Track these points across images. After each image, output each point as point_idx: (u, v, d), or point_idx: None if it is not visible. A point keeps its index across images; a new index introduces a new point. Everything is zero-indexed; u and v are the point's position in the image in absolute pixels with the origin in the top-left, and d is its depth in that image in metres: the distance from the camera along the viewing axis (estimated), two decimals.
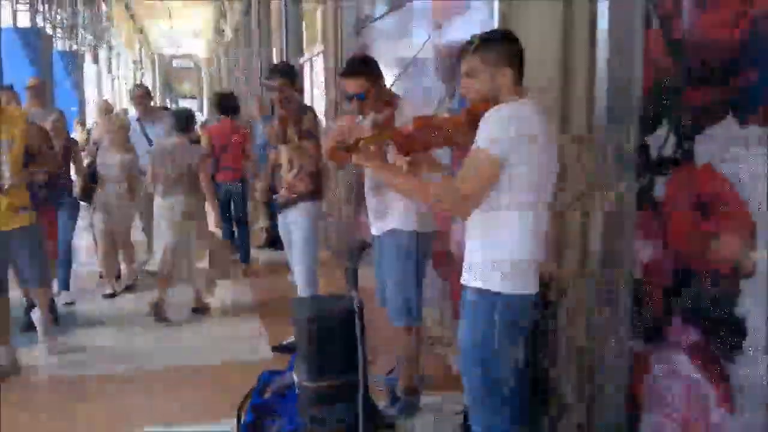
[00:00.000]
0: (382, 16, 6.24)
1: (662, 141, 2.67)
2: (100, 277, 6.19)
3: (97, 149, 5.85)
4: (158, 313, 5.06)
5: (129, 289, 6.04)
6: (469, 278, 2.32)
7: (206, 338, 4.76)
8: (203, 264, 5.31)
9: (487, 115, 2.16)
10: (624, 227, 2.85)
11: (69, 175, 5.66)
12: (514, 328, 2.26)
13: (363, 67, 3.26)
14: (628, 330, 2.90)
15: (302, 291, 4.05)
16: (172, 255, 5.02)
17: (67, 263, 5.73)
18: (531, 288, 2.28)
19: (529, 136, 2.15)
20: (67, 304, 5.51)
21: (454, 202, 2.21)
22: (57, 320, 4.93)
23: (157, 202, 5.07)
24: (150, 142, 6.28)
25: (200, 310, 5.29)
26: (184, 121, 5.22)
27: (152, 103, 6.82)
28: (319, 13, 11.19)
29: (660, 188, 2.70)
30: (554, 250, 3.06)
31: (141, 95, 6.71)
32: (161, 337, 4.80)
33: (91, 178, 5.66)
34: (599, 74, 2.84)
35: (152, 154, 5.18)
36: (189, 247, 5.06)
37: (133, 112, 7.53)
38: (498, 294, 2.23)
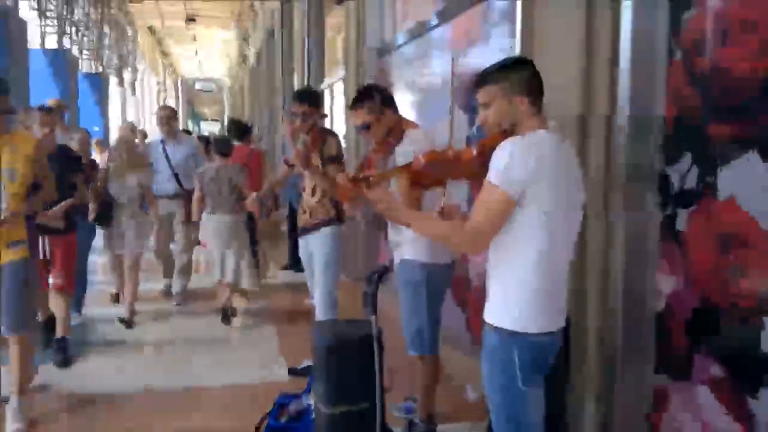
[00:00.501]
0: (403, 44, 6.30)
1: (684, 172, 2.67)
2: (116, 300, 6.22)
3: (107, 173, 5.57)
4: (226, 317, 5.68)
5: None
6: (487, 314, 2.22)
7: (222, 359, 4.75)
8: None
9: (499, 147, 2.07)
10: (647, 259, 2.84)
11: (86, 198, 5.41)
12: (532, 369, 2.14)
13: (364, 98, 3.25)
14: (650, 364, 2.87)
15: (321, 315, 4.05)
16: (222, 265, 5.68)
17: (82, 286, 5.60)
18: (550, 326, 2.16)
19: (543, 170, 2.03)
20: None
21: (464, 241, 2.15)
22: (68, 361, 4.58)
23: (205, 218, 5.71)
24: (170, 163, 6.28)
25: (227, 313, 5.76)
26: (225, 145, 5.94)
27: (176, 125, 6.69)
28: (340, 40, 11.35)
29: (682, 220, 2.69)
30: (573, 281, 3.05)
31: (167, 116, 6.57)
32: (174, 358, 4.81)
33: (105, 202, 5.48)
34: (620, 103, 2.85)
35: (201, 176, 5.67)
36: (235, 257, 5.68)
37: (154, 133, 7.63)
38: (514, 333, 2.12)
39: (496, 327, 2.16)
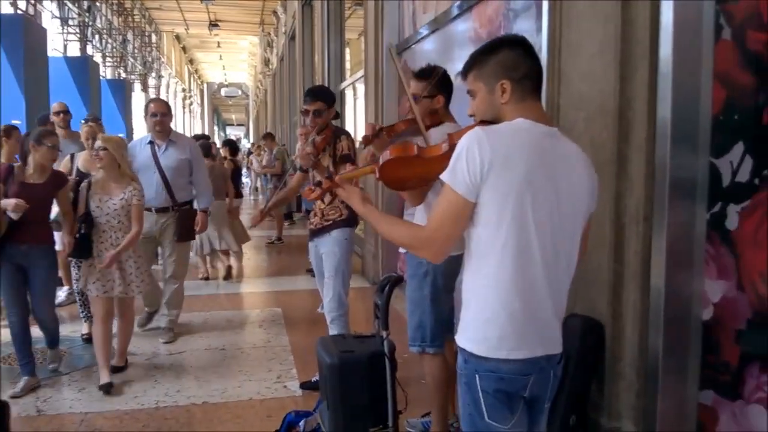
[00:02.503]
0: (423, 38, 6.04)
1: (736, 165, 2.35)
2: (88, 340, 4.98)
3: (85, 184, 4.28)
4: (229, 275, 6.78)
5: (119, 371, 4.46)
6: (457, 335, 1.88)
7: (235, 374, 4.50)
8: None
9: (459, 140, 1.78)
10: (691, 262, 2.52)
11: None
12: (498, 401, 1.80)
13: (429, 73, 3.15)
14: (695, 380, 2.55)
15: (331, 323, 3.84)
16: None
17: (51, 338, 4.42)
18: (522, 352, 1.78)
19: (507, 165, 1.72)
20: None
21: (421, 247, 1.85)
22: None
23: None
24: (160, 167, 5.02)
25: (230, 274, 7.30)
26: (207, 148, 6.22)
27: (170, 122, 5.19)
28: (362, 42, 11.16)
29: (733, 218, 2.37)
30: (610, 287, 2.75)
31: (159, 112, 5.09)
32: (185, 373, 4.57)
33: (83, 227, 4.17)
34: (661, 90, 2.54)
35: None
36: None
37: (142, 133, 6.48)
38: (476, 356, 1.79)
39: (461, 348, 1.84)
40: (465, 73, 1.93)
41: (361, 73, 8.48)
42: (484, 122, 1.88)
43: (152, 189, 4.93)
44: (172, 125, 5.27)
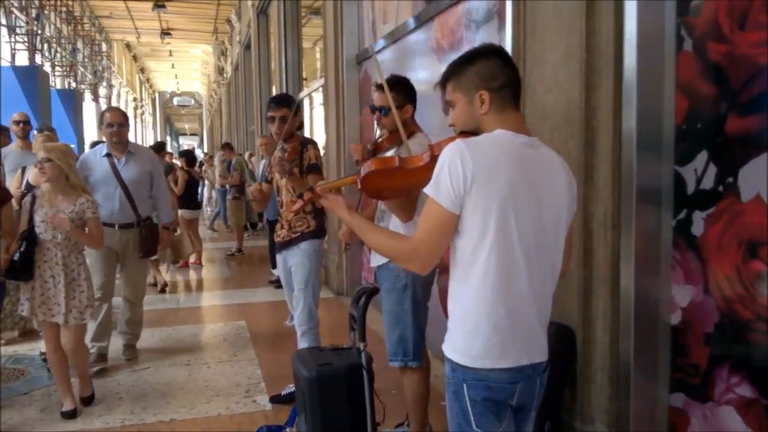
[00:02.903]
0: (382, 49, 6.07)
1: (700, 173, 2.42)
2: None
3: (29, 198, 3.90)
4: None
5: (88, 402, 4.11)
6: (444, 344, 1.90)
7: (202, 389, 4.43)
8: None
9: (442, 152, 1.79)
10: (659, 267, 2.58)
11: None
12: (485, 409, 1.81)
13: (395, 84, 3.02)
14: (666, 382, 2.62)
15: (302, 335, 3.79)
16: None
17: None
18: (508, 361, 1.79)
19: (489, 176, 1.72)
20: None
21: (406, 259, 1.84)
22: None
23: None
24: (122, 181, 4.72)
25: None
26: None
27: (127, 134, 4.90)
28: (318, 51, 11.16)
29: (699, 224, 2.44)
30: (580, 292, 2.80)
31: (116, 122, 4.73)
32: (149, 388, 4.48)
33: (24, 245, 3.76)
34: (626, 100, 2.61)
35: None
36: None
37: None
38: (463, 367, 1.81)
39: (448, 358, 1.86)
40: (443, 83, 1.93)
41: (320, 81, 8.46)
42: (464, 133, 1.88)
43: (114, 204, 4.70)
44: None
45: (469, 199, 1.73)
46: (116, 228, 4.73)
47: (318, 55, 11.41)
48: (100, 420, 3.91)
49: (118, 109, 5.13)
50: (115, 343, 5.04)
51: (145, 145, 15.00)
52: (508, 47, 3.27)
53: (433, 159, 1.86)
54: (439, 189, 1.74)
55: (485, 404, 1.80)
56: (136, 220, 4.83)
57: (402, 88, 3.11)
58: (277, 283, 7.86)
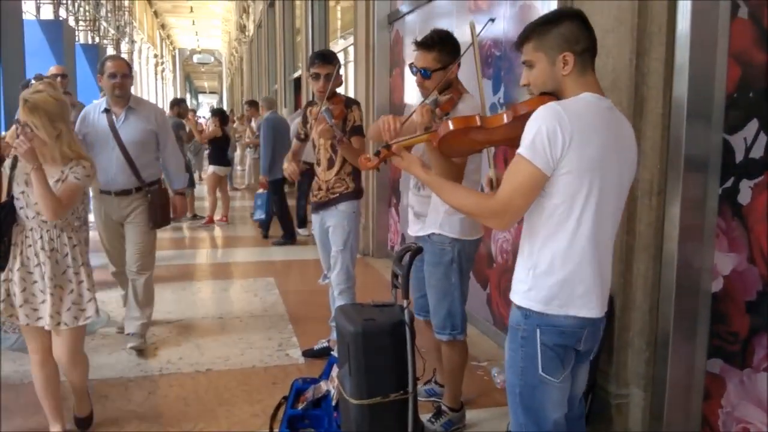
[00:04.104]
0: (411, 11, 6.03)
1: (750, 142, 2.42)
2: None
3: (9, 162, 2.94)
4: None
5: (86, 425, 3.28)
6: (514, 291, 2.02)
7: (236, 343, 4.53)
8: None
9: (532, 115, 1.84)
10: (703, 235, 2.60)
11: None
12: (555, 354, 1.93)
13: (438, 42, 2.87)
14: (704, 348, 2.65)
15: (339, 294, 3.84)
16: None
17: None
18: (583, 311, 1.92)
19: (581, 140, 1.80)
20: None
21: (491, 216, 1.93)
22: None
23: None
24: (120, 142, 4.09)
25: None
26: None
27: (130, 85, 4.24)
28: (339, 9, 11.05)
29: (746, 193, 2.45)
30: (621, 258, 2.82)
31: (119, 72, 4.09)
32: (184, 339, 4.60)
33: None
34: (678, 68, 2.60)
35: None
36: None
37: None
38: (541, 314, 1.92)
39: (521, 306, 1.97)
40: (521, 43, 1.97)
41: (347, 41, 8.41)
42: (545, 94, 1.93)
43: (111, 168, 4.09)
44: (136, 91, 4.79)
45: (565, 162, 1.81)
46: (112, 195, 4.16)
47: (339, 15, 11.27)
48: (137, 368, 4.03)
49: (120, 58, 4.49)
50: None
51: (164, 102, 14.77)
52: (554, 8, 3.25)
53: (516, 119, 1.95)
54: (535, 150, 1.81)
55: (556, 350, 1.93)
56: (137, 186, 4.18)
57: (446, 46, 2.90)
58: (275, 239, 8.24)
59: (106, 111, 4.16)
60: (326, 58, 3.73)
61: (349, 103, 3.79)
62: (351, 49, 7.97)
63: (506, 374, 2.06)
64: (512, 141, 1.98)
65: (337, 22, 11.26)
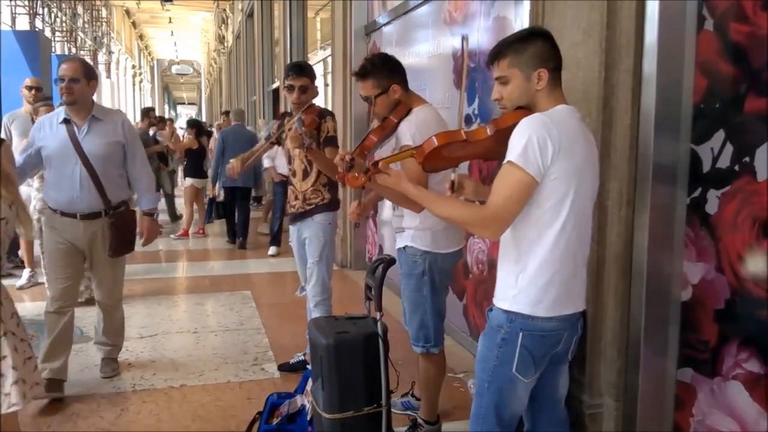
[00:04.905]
0: (388, 23, 6.05)
1: (717, 152, 2.45)
2: None
3: None
4: None
5: None
6: (498, 295, 2.13)
7: (211, 357, 4.48)
8: None
9: (518, 126, 1.95)
10: (672, 244, 2.62)
11: None
12: (532, 355, 2.06)
13: (371, 69, 2.89)
14: (675, 357, 2.67)
15: (314, 305, 3.81)
16: None
17: None
18: (564, 310, 2.07)
19: (565, 148, 1.93)
20: None
21: (484, 224, 2.02)
22: None
23: None
24: (84, 156, 3.59)
25: None
26: None
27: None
28: (319, 21, 11.07)
29: (713, 203, 2.47)
30: (593, 269, 2.83)
31: (67, 75, 3.56)
32: (158, 354, 4.54)
33: None
34: (646, 80, 2.62)
35: None
36: None
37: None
38: (526, 316, 2.04)
39: (508, 310, 2.07)
40: (495, 59, 2.07)
41: (326, 52, 8.43)
42: (520, 108, 2.05)
43: (74, 188, 3.62)
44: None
45: (553, 169, 1.93)
46: (78, 218, 3.68)
47: (319, 26, 11.29)
48: (110, 384, 3.97)
49: (75, 60, 3.80)
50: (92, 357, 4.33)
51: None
52: (525, 22, 3.28)
53: (498, 132, 2.06)
54: (527, 158, 1.91)
55: (534, 354, 2.05)
56: (105, 208, 3.71)
57: (381, 69, 2.92)
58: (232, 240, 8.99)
59: (66, 121, 3.66)
60: (300, 70, 3.73)
61: (324, 114, 3.78)
62: (330, 60, 7.97)
63: (476, 368, 2.17)
64: (492, 153, 2.11)
65: (316, 33, 11.29)
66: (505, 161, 1.96)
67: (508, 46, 2.06)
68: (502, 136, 2.01)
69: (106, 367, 4.11)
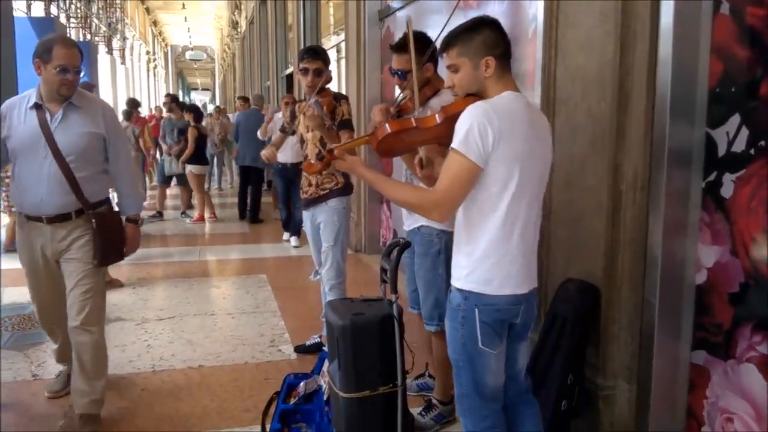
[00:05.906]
0: (402, 7, 6.04)
1: (732, 136, 2.46)
2: None
3: None
4: None
5: None
6: (453, 276, 2.22)
7: (228, 339, 4.55)
8: None
9: (462, 114, 2.04)
10: (687, 228, 2.63)
11: None
12: (492, 329, 2.15)
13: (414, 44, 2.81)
14: (688, 340, 2.69)
15: (330, 289, 3.86)
16: None
17: None
18: (516, 288, 2.15)
19: (508, 133, 2.01)
20: None
21: (430, 208, 2.10)
22: None
23: None
24: (56, 149, 2.98)
25: None
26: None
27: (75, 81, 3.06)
28: (332, 6, 11.05)
29: (728, 186, 2.48)
30: (606, 252, 2.86)
31: (72, 66, 3.04)
32: (176, 336, 4.61)
33: None
34: (661, 64, 2.62)
35: None
36: None
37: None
38: (479, 294, 2.13)
39: (461, 289, 2.16)
40: (446, 49, 2.15)
41: (339, 37, 8.42)
42: (470, 95, 2.14)
43: (41, 185, 3.03)
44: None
45: (494, 155, 2.01)
46: (44, 221, 3.09)
47: (332, 11, 11.27)
48: (130, 365, 4.05)
49: (74, 44, 3.18)
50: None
51: (157, 98, 14.47)
52: (540, 7, 3.28)
53: (447, 119, 2.16)
54: (468, 145, 2.00)
55: (493, 325, 2.15)
56: (78, 209, 3.10)
57: (423, 47, 2.91)
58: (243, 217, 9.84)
59: (37, 107, 3.05)
60: (315, 54, 3.76)
61: (338, 97, 3.82)
62: (343, 45, 7.97)
63: (448, 349, 2.27)
64: (444, 139, 2.17)
65: (329, 18, 11.26)
66: (450, 148, 2.05)
67: (456, 36, 2.13)
68: (451, 123, 2.09)
69: (86, 426, 3.14)
